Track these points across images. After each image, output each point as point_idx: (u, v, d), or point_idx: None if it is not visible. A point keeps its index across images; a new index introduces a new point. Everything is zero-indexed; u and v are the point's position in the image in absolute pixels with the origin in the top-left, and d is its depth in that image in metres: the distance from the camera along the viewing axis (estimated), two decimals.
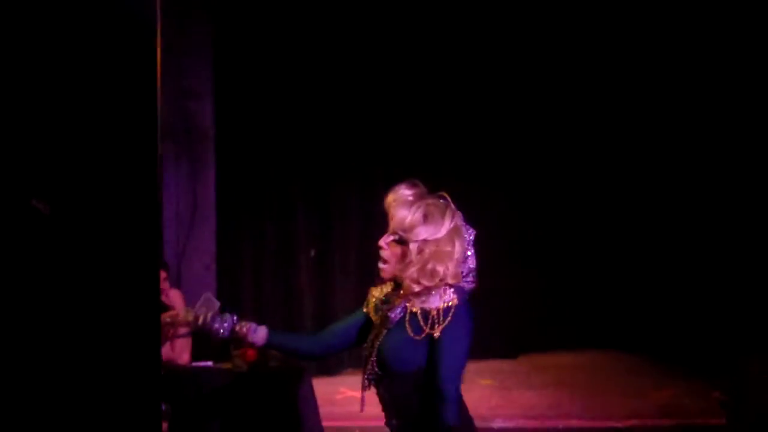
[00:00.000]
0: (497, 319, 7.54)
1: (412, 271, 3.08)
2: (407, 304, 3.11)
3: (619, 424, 5.59)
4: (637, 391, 6.50)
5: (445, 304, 3.08)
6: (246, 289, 7.02)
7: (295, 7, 6.99)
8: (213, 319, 3.16)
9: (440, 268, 3.08)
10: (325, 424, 5.12)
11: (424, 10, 7.22)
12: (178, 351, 4.96)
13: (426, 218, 3.10)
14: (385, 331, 3.14)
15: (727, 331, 6.81)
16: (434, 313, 3.06)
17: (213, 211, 6.81)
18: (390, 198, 3.17)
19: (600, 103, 7.62)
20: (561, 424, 5.69)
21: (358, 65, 7.20)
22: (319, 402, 5.36)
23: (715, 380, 6.25)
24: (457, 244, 3.13)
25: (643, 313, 7.67)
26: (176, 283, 5.71)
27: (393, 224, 3.14)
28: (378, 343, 3.13)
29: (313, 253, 7.13)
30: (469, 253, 3.21)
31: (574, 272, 7.81)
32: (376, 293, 3.27)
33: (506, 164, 7.56)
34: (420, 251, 3.08)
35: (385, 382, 3.15)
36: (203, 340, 5.55)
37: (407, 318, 3.09)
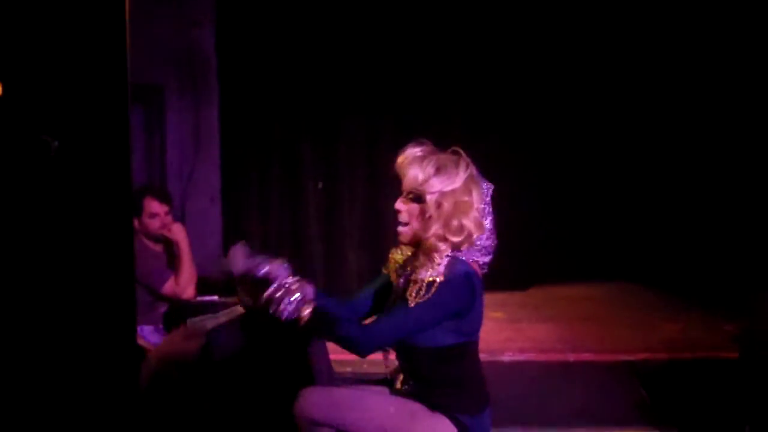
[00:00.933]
0: (507, 250, 7.46)
1: (436, 227, 3.03)
2: (412, 273, 3.08)
3: (630, 358, 5.53)
4: (649, 324, 6.43)
5: (431, 278, 3.03)
6: (252, 223, 6.93)
7: None
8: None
9: (465, 222, 3.03)
10: (333, 357, 5.06)
11: None
12: (183, 285, 4.89)
13: (439, 170, 3.04)
14: (395, 299, 3.13)
15: (741, 265, 6.74)
16: (420, 283, 3.03)
17: (217, 144, 6.70)
18: (400, 159, 3.10)
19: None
20: (572, 357, 5.64)
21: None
22: None
23: (728, 314, 6.21)
24: (475, 194, 3.07)
25: (656, 245, 7.60)
26: (180, 217, 5.61)
27: (406, 183, 3.07)
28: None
29: (320, 185, 7.03)
30: (487, 209, 3.17)
31: (586, 203, 7.76)
32: (397, 256, 3.28)
33: (516, 99, 7.43)
34: (438, 205, 3.03)
35: (400, 348, 3.15)
36: (206, 273, 5.51)
37: (408, 285, 3.08)
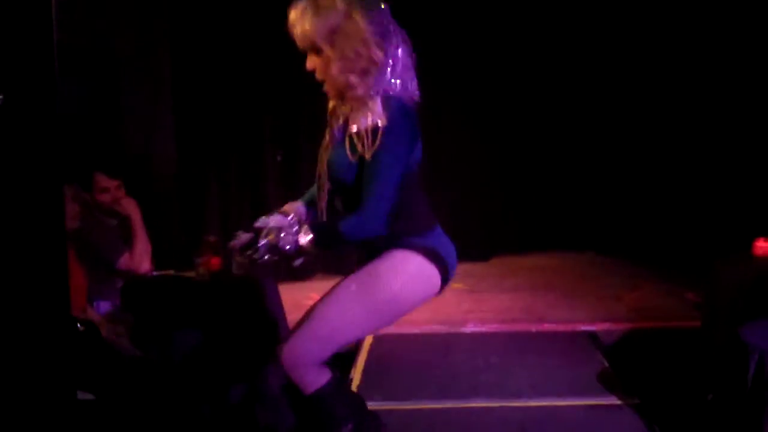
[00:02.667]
0: (468, 221, 7.45)
1: (340, 66, 2.98)
2: (348, 125, 3.03)
3: (592, 327, 5.52)
4: (611, 293, 6.43)
5: (373, 124, 2.97)
6: (211, 196, 6.82)
7: None
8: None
9: (360, 49, 2.97)
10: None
11: None
12: (138, 259, 4.81)
13: (317, 13, 2.98)
14: (330, 147, 3.09)
15: (702, 233, 6.76)
16: (363, 134, 2.98)
17: (170, 114, 6.58)
18: (289, 24, 3.04)
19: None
20: (534, 327, 5.61)
21: None
22: (288, 308, 5.23)
23: (689, 282, 6.22)
24: (360, 18, 2.97)
25: (617, 214, 7.60)
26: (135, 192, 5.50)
27: (301, 43, 3.03)
28: (327, 157, 3.09)
29: (279, 157, 6.94)
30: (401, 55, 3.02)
31: (546, 172, 7.74)
32: (329, 108, 3.16)
33: (475, 68, 7.38)
34: (331, 44, 2.97)
35: (338, 195, 3.09)
36: (162, 247, 5.42)
37: (346, 139, 3.01)
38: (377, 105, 2.99)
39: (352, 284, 3.06)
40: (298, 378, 3.06)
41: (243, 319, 4.69)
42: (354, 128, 3.00)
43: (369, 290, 3.04)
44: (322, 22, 2.96)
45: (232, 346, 4.48)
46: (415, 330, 5.47)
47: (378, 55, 2.97)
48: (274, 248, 2.99)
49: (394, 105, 2.98)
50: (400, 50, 3.03)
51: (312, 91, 6.86)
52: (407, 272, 3.05)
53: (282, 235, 2.99)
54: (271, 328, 4.87)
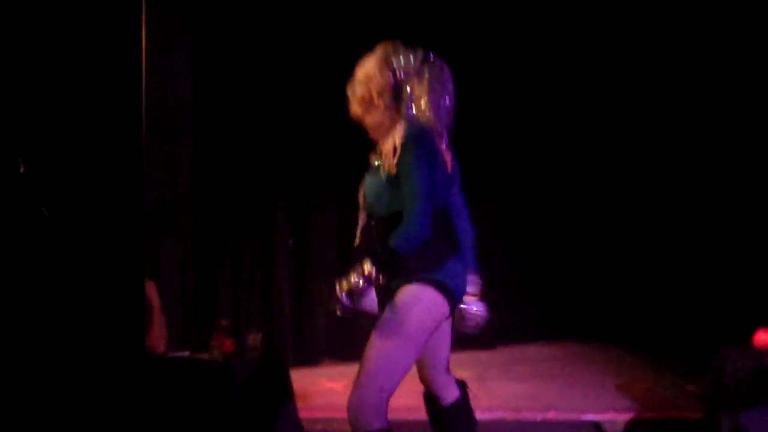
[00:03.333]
0: None
1: (372, 112, 3.61)
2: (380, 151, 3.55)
3: (597, 417, 5.59)
4: (615, 383, 6.50)
5: (393, 144, 3.46)
6: (223, 280, 6.93)
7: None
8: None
9: (386, 96, 3.57)
10: (302, 415, 5.10)
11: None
12: (154, 340, 4.93)
13: (358, 72, 3.64)
14: (367, 175, 3.63)
15: (704, 325, 6.83)
16: (387, 153, 3.47)
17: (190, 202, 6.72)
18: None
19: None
20: (539, 416, 5.68)
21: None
22: (298, 393, 5.32)
23: (692, 373, 6.29)
24: (380, 70, 3.58)
25: (620, 305, 7.68)
26: (152, 276, 5.63)
27: (350, 96, 3.69)
28: (364, 184, 3.63)
29: (291, 242, 7.08)
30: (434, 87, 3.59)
31: (550, 264, 7.82)
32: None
33: (489, 159, 7.54)
34: (369, 94, 3.59)
35: (374, 220, 3.57)
36: (180, 330, 5.54)
37: (380, 164, 3.52)
38: (398, 130, 3.49)
39: (382, 328, 3.49)
40: (362, 424, 3.50)
41: (254, 401, 4.80)
42: (381, 151, 3.52)
43: (396, 327, 3.47)
44: (359, 79, 3.62)
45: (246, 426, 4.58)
46: (423, 417, 5.54)
47: (402, 96, 3.56)
48: (351, 292, 3.40)
49: (409, 128, 3.48)
50: (428, 86, 3.57)
51: (324, 177, 7.11)
52: (422, 301, 3.49)
53: (352, 278, 3.40)
54: (281, 411, 4.98)
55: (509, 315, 7.70)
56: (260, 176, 6.95)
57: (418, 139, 3.44)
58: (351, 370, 6.76)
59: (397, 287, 3.49)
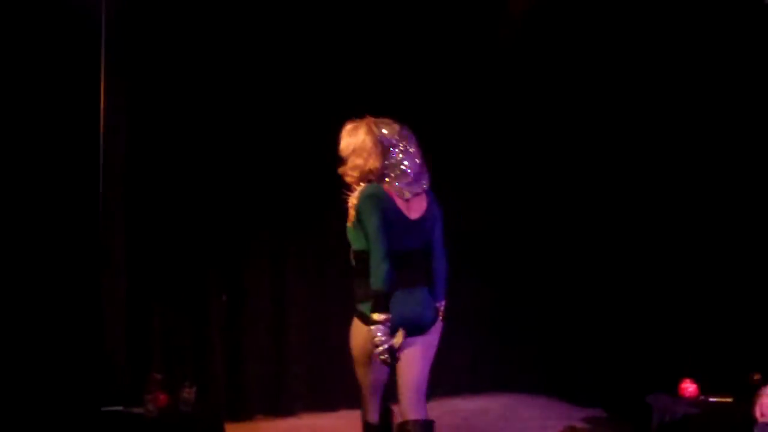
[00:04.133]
0: None
1: (350, 172, 4.48)
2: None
3: None
4: None
5: (352, 202, 4.39)
6: (155, 334, 6.89)
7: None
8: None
9: (363, 161, 4.42)
10: None
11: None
12: None
13: (347, 135, 4.53)
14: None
15: (631, 374, 6.94)
16: (351, 206, 4.40)
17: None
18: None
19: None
20: None
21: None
22: None
23: (619, 421, 6.41)
24: (371, 143, 4.41)
25: (549, 356, 7.77)
26: None
27: (340, 152, 4.55)
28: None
29: (224, 298, 7.07)
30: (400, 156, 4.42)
31: (479, 316, 7.86)
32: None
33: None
34: (350, 156, 4.49)
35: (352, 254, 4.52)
36: (114, 383, 5.50)
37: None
38: (360, 189, 4.39)
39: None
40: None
41: None
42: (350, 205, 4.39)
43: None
44: (347, 142, 4.48)
45: None
46: None
47: (375, 164, 4.40)
48: (376, 345, 4.28)
49: (364, 190, 4.37)
50: (401, 155, 4.42)
51: (257, 233, 7.13)
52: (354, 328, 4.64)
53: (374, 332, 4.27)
54: None
55: (438, 370, 7.74)
56: (193, 232, 6.94)
57: (366, 199, 4.32)
58: (284, 425, 6.82)
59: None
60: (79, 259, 4.98)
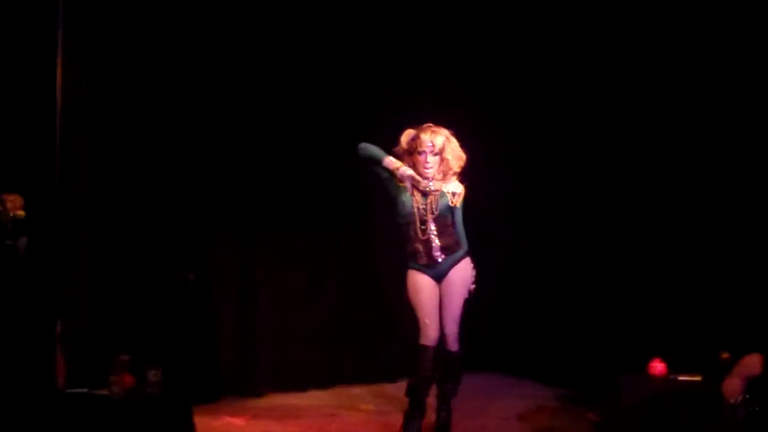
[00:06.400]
0: (374, 343, 7.59)
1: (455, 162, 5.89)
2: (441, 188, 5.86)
3: None
4: (516, 413, 6.61)
5: (458, 189, 5.88)
6: (122, 319, 6.81)
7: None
8: None
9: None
10: None
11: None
12: None
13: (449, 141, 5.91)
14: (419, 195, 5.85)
15: (602, 355, 6.96)
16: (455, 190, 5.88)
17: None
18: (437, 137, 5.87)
19: None
20: None
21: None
22: (199, 429, 5.28)
23: (591, 402, 6.42)
24: (404, 144, 5.94)
25: (522, 337, 7.78)
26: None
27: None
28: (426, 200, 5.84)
29: (192, 277, 7.00)
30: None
31: None
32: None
33: None
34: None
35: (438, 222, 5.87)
36: (79, 365, 5.43)
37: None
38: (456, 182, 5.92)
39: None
40: (457, 339, 6.06)
41: None
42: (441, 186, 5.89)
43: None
44: (440, 141, 5.84)
45: None
46: None
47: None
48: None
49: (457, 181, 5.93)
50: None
51: (224, 213, 7.06)
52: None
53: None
54: None
55: (410, 349, 7.73)
56: (160, 212, 6.86)
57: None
58: (252, 405, 6.78)
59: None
60: (42, 238, 4.88)
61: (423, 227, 5.76)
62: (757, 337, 5.26)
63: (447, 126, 5.90)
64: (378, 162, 5.84)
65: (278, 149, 7.21)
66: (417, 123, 6.00)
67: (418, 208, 5.77)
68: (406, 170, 5.76)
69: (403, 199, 5.82)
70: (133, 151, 6.73)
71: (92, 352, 6.26)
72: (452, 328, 5.97)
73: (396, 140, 5.97)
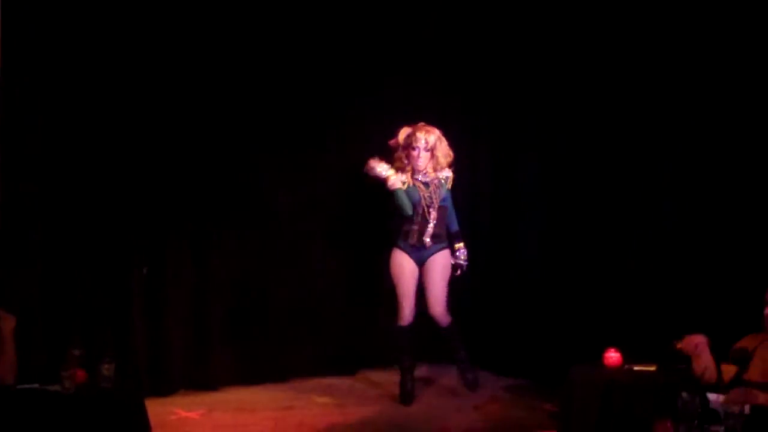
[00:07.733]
0: (334, 336, 7.56)
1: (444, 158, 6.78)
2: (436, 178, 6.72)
3: None
4: (473, 404, 6.62)
5: (449, 176, 6.80)
6: (74, 313, 6.72)
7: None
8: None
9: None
10: None
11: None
12: (2, 373, 4.75)
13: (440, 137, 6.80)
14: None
15: (557, 345, 6.99)
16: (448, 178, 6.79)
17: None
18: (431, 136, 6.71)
19: None
20: None
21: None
22: (153, 423, 5.22)
23: (546, 393, 6.45)
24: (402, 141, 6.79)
25: (478, 326, 7.77)
26: None
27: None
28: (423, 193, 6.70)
29: (145, 270, 6.93)
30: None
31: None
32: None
33: None
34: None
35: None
36: (30, 360, 5.35)
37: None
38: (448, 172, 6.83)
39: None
40: (446, 315, 6.82)
41: None
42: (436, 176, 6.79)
43: None
44: (432, 139, 6.71)
45: None
46: None
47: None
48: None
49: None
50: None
51: (176, 204, 7.00)
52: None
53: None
54: None
55: (368, 342, 7.72)
56: (114, 206, 6.78)
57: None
58: (207, 399, 6.72)
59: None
60: None
61: (426, 214, 6.64)
62: (709, 326, 5.32)
63: (438, 125, 6.71)
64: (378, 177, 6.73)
65: (234, 140, 7.16)
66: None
67: (424, 197, 6.62)
68: (396, 182, 6.66)
69: (410, 191, 6.66)
70: (84, 145, 6.64)
71: (43, 347, 6.20)
72: (437, 308, 6.73)
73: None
